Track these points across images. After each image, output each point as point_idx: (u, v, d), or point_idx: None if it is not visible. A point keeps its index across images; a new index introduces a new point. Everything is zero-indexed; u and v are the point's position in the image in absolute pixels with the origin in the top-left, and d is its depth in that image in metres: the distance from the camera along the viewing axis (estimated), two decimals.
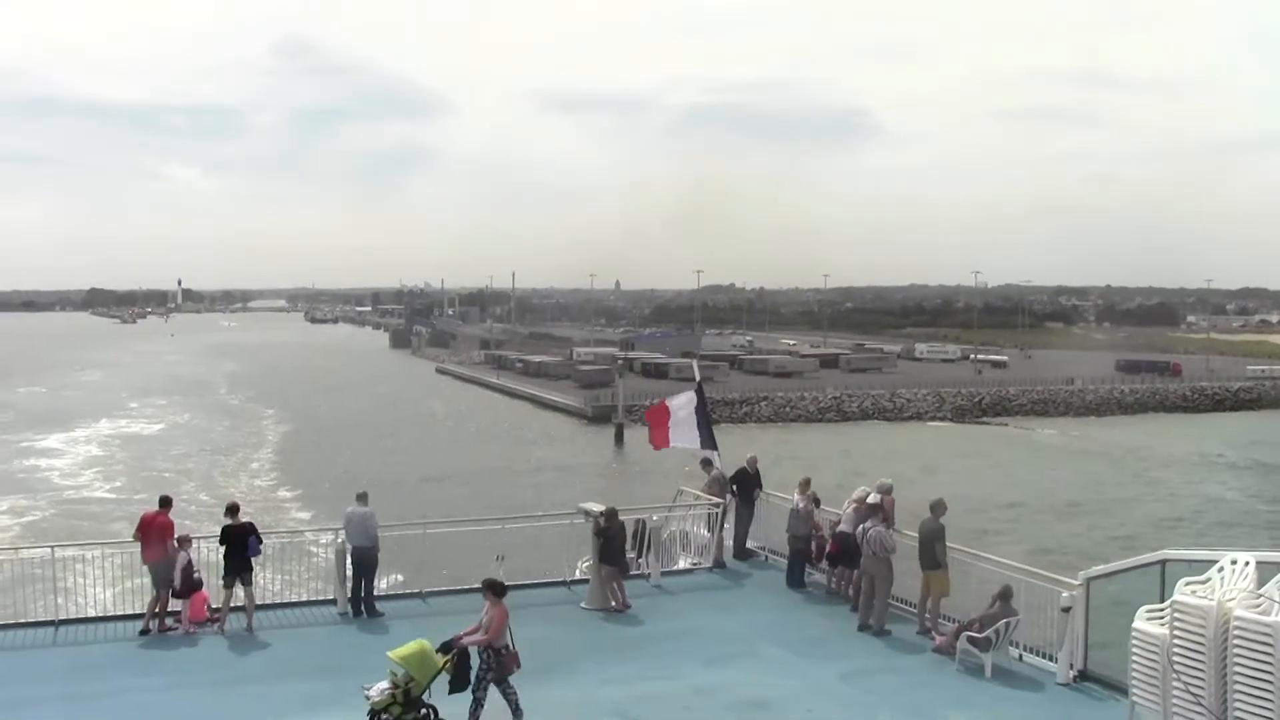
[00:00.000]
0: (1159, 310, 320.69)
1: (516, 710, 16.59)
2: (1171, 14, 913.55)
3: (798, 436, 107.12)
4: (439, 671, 15.93)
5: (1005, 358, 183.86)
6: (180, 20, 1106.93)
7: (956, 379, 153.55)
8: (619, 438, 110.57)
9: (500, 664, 16.44)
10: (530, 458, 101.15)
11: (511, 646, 16.65)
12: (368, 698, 15.70)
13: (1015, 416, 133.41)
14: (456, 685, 16.16)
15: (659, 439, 28.78)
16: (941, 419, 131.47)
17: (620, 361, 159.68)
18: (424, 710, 15.80)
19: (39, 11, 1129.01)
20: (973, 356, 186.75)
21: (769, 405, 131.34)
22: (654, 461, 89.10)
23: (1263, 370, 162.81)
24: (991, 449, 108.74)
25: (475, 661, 16.47)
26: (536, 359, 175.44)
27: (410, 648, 15.91)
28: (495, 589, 16.91)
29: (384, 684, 15.71)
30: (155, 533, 21.55)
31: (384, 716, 15.59)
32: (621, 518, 24.09)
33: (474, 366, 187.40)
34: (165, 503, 22.36)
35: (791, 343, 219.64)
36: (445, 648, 16.24)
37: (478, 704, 16.40)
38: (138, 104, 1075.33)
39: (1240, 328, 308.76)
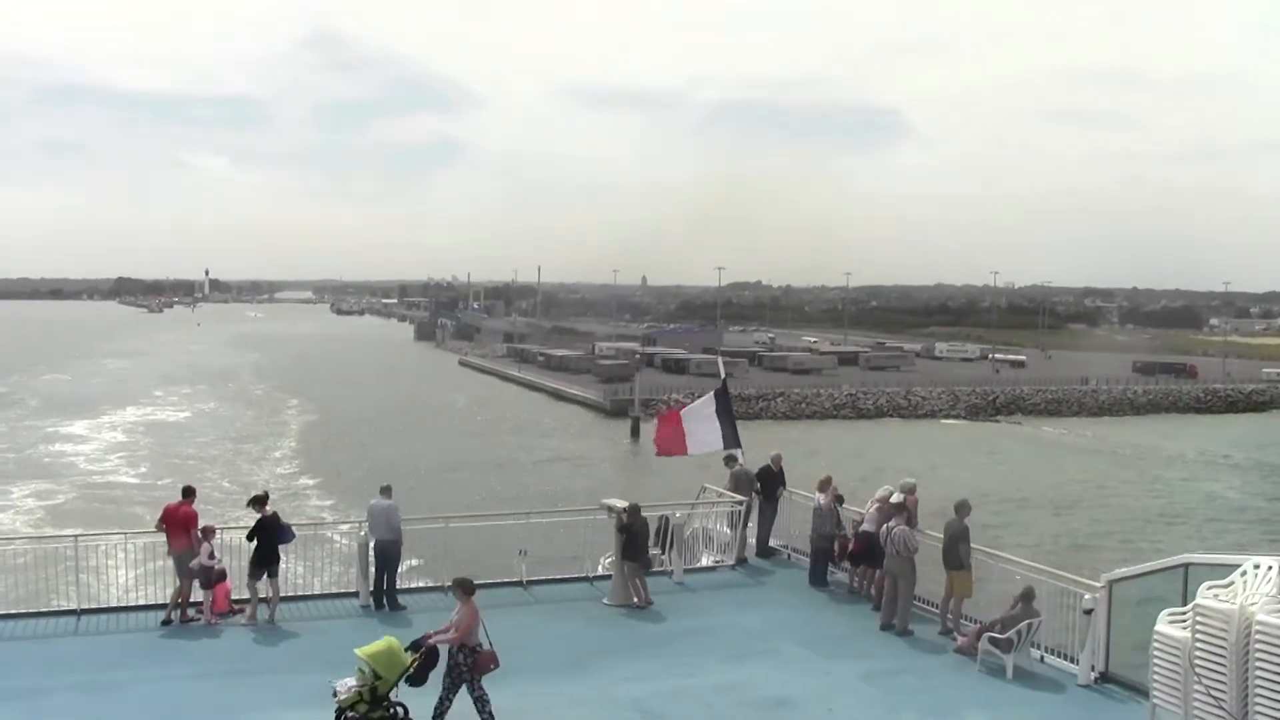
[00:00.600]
0: (1182, 313, 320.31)
1: (487, 718, 16.32)
2: (1199, 13, 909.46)
3: (812, 433, 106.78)
4: (407, 670, 15.81)
5: (1024, 358, 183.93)
6: (212, 11, 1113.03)
7: (973, 378, 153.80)
8: (635, 431, 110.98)
9: (475, 663, 16.21)
10: (547, 448, 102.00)
11: (487, 645, 16.46)
12: (335, 695, 15.56)
13: (1029, 415, 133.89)
14: (415, 680, 15.96)
15: (673, 445, 28.46)
16: (955, 417, 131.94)
17: (638, 356, 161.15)
18: (391, 708, 15.65)
19: (71, 1, 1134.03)
20: (991, 356, 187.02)
21: (785, 401, 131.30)
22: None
23: (1278, 373, 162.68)
24: (1001, 446, 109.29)
25: (445, 661, 16.29)
26: (558, 353, 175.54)
27: (378, 645, 15.74)
28: (464, 587, 16.67)
29: (351, 681, 15.56)
30: (179, 523, 21.65)
31: (350, 714, 15.43)
32: (645, 514, 24.11)
33: (496, 360, 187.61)
34: (188, 493, 22.38)
35: (813, 340, 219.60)
36: (415, 646, 16.15)
37: (443, 702, 16.26)
38: (168, 94, 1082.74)
39: (1262, 331, 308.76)
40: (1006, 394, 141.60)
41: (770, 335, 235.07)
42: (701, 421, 28.26)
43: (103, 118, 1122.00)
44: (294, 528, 22.58)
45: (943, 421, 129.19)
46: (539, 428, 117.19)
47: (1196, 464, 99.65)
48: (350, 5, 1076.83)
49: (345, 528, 25.07)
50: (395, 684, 15.67)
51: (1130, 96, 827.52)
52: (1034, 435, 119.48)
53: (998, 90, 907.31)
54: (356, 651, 15.76)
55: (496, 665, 16.40)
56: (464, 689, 16.25)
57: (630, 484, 74.51)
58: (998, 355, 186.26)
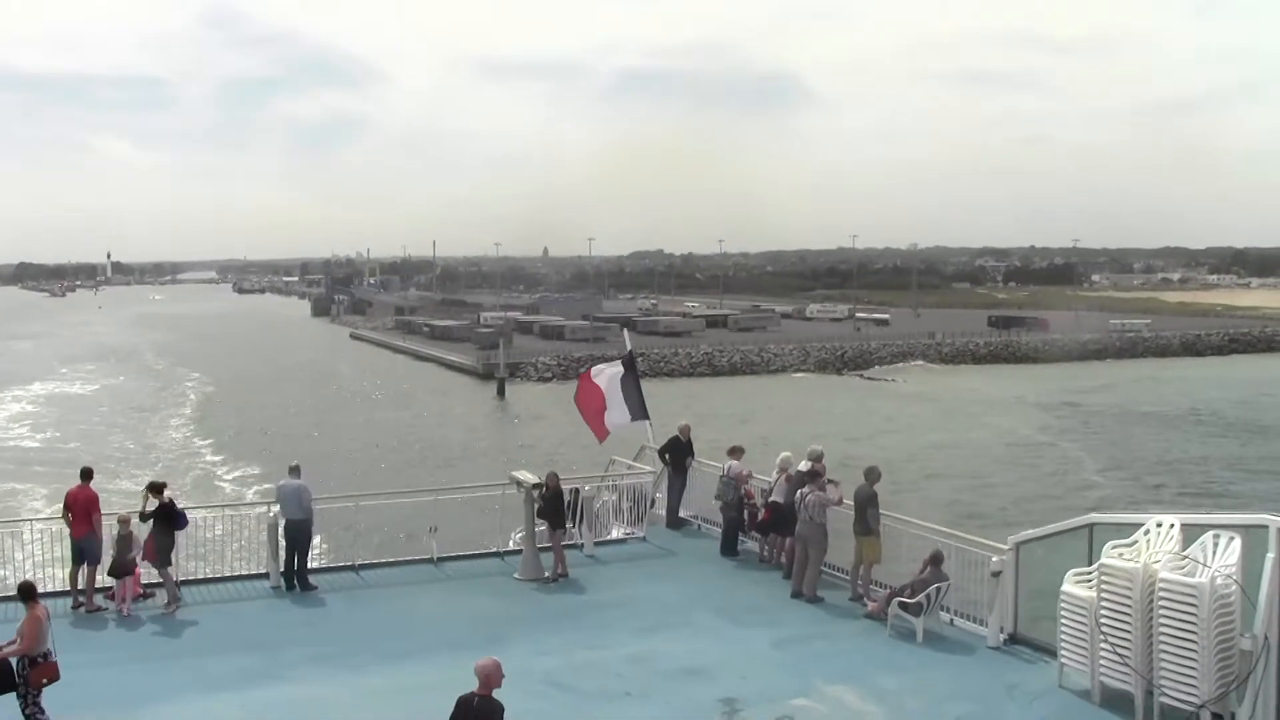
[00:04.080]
0: (1064, 270, 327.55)
1: None
2: None
3: (667, 389, 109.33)
4: None
5: (887, 316, 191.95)
6: None
7: (832, 335, 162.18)
8: (500, 391, 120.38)
9: (31, 675, 15.19)
10: (423, 407, 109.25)
11: (51, 655, 15.47)
12: None
13: (874, 367, 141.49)
14: None
15: (597, 428, 28.12)
16: (806, 371, 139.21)
17: (514, 324, 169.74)
18: None
19: None
20: (853, 315, 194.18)
21: (645, 361, 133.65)
22: (531, 410, 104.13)
23: (1122, 325, 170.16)
24: (835, 395, 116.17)
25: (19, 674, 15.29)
26: (442, 323, 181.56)
27: None
28: (26, 592, 15.81)
29: None
30: (80, 508, 21.28)
31: None
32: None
33: (386, 332, 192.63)
34: (87, 475, 21.85)
35: (693, 305, 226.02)
36: None
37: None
38: (66, 75, 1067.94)
39: (1140, 285, 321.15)
40: (854, 349, 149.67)
41: (653, 302, 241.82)
42: (612, 396, 28.09)
43: (1, 101, 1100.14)
44: (202, 510, 22.35)
45: (794, 376, 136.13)
46: (414, 390, 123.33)
47: (997, 404, 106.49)
48: None
49: (256, 510, 24.75)
50: None
51: (1032, 58, 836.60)
52: (870, 386, 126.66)
53: (899, 54, 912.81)
54: None
55: (55, 678, 15.41)
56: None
57: (496, 435, 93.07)
58: (860, 314, 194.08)
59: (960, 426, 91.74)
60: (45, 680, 15.32)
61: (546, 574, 23.14)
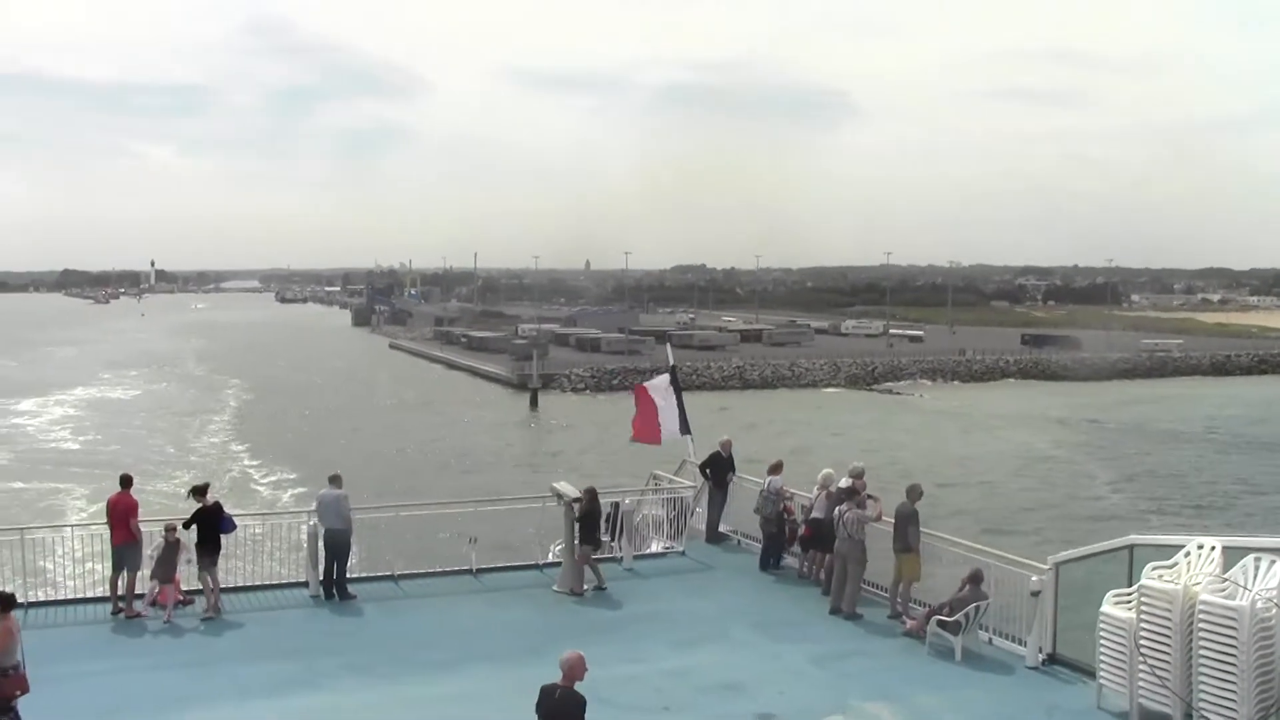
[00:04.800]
0: (1103, 289, 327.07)
1: None
2: None
3: (698, 401, 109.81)
4: None
5: (921, 333, 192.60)
6: None
7: (865, 350, 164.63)
8: (534, 401, 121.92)
9: (3, 685, 14.93)
10: (454, 416, 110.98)
11: (21, 668, 15.20)
12: None
13: (903, 382, 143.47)
14: None
15: (647, 433, 28.49)
16: (836, 386, 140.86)
17: (539, 334, 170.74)
18: None
19: None
20: (887, 331, 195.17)
21: (678, 374, 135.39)
22: (562, 420, 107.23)
23: (1154, 345, 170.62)
24: (859, 409, 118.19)
25: None
26: (480, 334, 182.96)
27: None
28: (2, 603, 15.42)
29: None
30: (120, 514, 21.37)
31: None
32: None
33: (424, 342, 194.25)
34: (126, 482, 21.93)
35: (730, 319, 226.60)
36: None
37: None
38: (111, 83, 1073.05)
39: (1179, 305, 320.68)
40: (885, 364, 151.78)
41: (691, 316, 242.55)
42: (665, 408, 28.27)
43: (46, 108, 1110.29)
44: (242, 517, 22.46)
45: (823, 390, 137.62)
46: (447, 399, 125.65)
47: (1020, 421, 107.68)
48: None
49: (295, 518, 24.88)
50: None
51: (1077, 75, 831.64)
52: (897, 400, 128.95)
53: (944, 70, 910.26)
54: None
55: (25, 690, 15.11)
56: None
57: (526, 443, 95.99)
58: (895, 331, 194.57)
59: (976, 440, 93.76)
60: (18, 692, 15.10)
61: (587, 587, 23.20)
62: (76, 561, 22.82)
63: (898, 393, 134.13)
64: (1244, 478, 78.28)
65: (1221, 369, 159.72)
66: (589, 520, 23.43)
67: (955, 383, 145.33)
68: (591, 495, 23.69)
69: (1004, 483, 73.89)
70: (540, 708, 12.94)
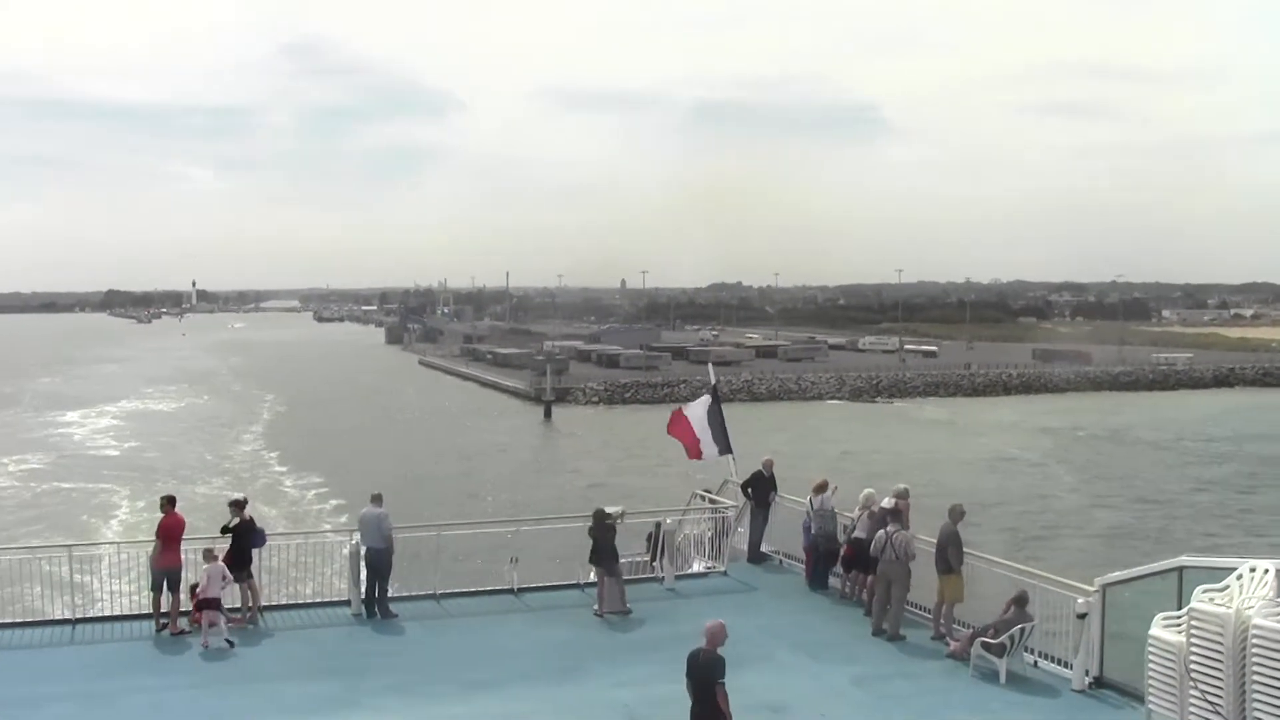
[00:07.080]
0: (1135, 305, 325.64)
1: None
2: (1185, 5, 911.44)
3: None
4: None
5: (935, 348, 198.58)
6: (190, 22, 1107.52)
7: (876, 365, 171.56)
8: (547, 413, 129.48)
9: None
10: (472, 426, 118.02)
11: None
12: None
13: (909, 397, 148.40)
14: None
15: (693, 449, 28.48)
16: (840, 399, 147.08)
17: (560, 351, 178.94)
18: None
19: (55, 14, 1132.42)
20: (901, 347, 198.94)
21: (687, 387, 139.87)
22: (571, 430, 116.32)
23: (1163, 359, 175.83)
24: (856, 419, 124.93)
25: None
26: (504, 351, 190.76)
27: None
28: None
29: None
30: (174, 537, 21.45)
31: None
32: (629, 520, 24.07)
33: (452, 359, 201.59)
34: (171, 502, 22.06)
35: (752, 336, 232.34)
36: None
37: None
38: (152, 105, 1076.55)
39: (1210, 321, 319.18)
40: (889, 378, 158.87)
41: (714, 333, 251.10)
42: (705, 428, 28.20)
43: (89, 130, 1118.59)
44: (286, 537, 22.51)
45: (828, 403, 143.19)
46: (470, 410, 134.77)
47: (994, 427, 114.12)
48: (329, 12, 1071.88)
49: (337, 537, 24.94)
50: None
51: (1112, 89, 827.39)
52: (896, 412, 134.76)
53: (977, 84, 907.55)
54: None
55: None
56: None
57: (535, 450, 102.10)
58: (909, 347, 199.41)
59: (955, 444, 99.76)
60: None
61: (628, 606, 23.11)
62: (124, 578, 22.94)
63: (896, 405, 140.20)
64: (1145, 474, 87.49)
65: (1225, 381, 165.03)
66: (596, 542, 23.44)
67: (958, 397, 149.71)
68: (595, 516, 23.73)
69: (961, 480, 76.39)
70: (689, 668, 14.88)
